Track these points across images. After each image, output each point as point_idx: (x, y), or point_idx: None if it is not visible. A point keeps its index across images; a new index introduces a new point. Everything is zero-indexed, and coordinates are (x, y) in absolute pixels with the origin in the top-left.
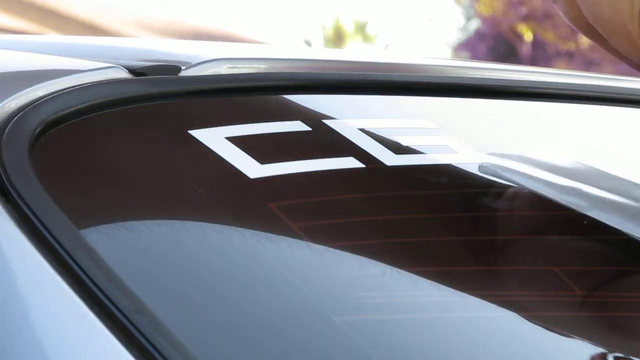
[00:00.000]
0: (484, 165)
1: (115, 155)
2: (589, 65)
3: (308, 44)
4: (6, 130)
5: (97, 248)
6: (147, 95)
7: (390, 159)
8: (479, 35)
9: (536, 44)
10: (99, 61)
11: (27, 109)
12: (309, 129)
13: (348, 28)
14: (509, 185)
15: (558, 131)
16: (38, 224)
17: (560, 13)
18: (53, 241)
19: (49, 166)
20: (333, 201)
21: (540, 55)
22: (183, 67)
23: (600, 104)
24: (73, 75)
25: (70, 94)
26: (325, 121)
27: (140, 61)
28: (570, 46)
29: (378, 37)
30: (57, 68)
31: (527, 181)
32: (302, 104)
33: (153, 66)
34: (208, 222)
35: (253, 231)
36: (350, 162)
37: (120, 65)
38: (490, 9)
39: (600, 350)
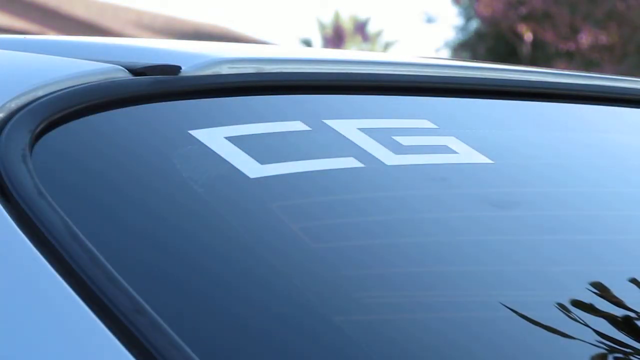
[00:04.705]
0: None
1: (115, 155)
2: (589, 65)
3: (308, 43)
4: (6, 130)
5: (96, 248)
6: (147, 95)
7: (390, 159)
8: (479, 35)
9: (536, 44)
10: (99, 61)
11: (27, 108)
12: (309, 129)
13: (348, 27)
14: (508, 186)
15: (558, 131)
16: (38, 224)
17: None
18: (53, 241)
19: (49, 166)
20: (333, 201)
21: (540, 55)
22: (183, 67)
23: (600, 104)
24: (73, 75)
25: (70, 94)
26: (325, 121)
27: (140, 61)
28: (570, 46)
29: (378, 36)
30: (57, 68)
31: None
32: (302, 104)
33: (153, 66)
34: (208, 222)
35: (253, 231)
36: (350, 162)
37: (120, 65)
38: (490, 9)
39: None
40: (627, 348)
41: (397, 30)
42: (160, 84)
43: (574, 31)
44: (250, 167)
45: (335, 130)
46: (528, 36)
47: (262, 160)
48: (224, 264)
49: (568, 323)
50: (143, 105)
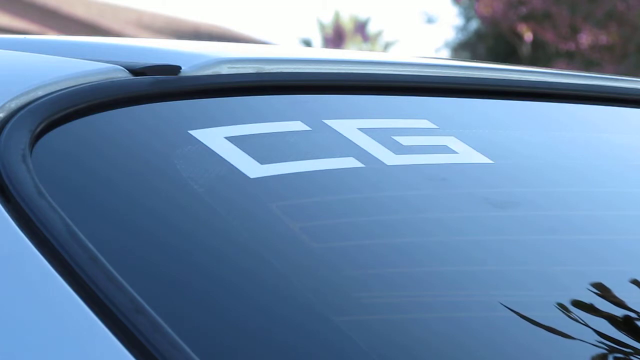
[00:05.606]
0: None
1: (115, 155)
2: (589, 65)
3: (308, 43)
4: (6, 130)
5: (96, 248)
6: (147, 95)
7: (390, 159)
8: (478, 35)
9: (536, 44)
10: (99, 61)
11: (27, 108)
12: (309, 129)
13: (348, 27)
14: (508, 186)
15: (558, 131)
16: (38, 224)
17: None
18: (53, 241)
19: (49, 166)
20: (333, 201)
21: (540, 55)
22: (183, 67)
23: (600, 104)
24: (73, 75)
25: (70, 94)
26: (325, 121)
27: (140, 61)
28: (570, 46)
29: (378, 36)
30: (57, 68)
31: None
32: (302, 104)
33: (153, 66)
34: (208, 222)
35: (253, 231)
36: (350, 162)
37: (120, 65)
38: (490, 9)
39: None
40: (627, 348)
41: (397, 30)
42: (160, 84)
43: (574, 31)
44: (250, 167)
45: (335, 130)
46: (528, 36)
47: (262, 160)
48: (224, 264)
49: (568, 323)
50: (143, 105)
